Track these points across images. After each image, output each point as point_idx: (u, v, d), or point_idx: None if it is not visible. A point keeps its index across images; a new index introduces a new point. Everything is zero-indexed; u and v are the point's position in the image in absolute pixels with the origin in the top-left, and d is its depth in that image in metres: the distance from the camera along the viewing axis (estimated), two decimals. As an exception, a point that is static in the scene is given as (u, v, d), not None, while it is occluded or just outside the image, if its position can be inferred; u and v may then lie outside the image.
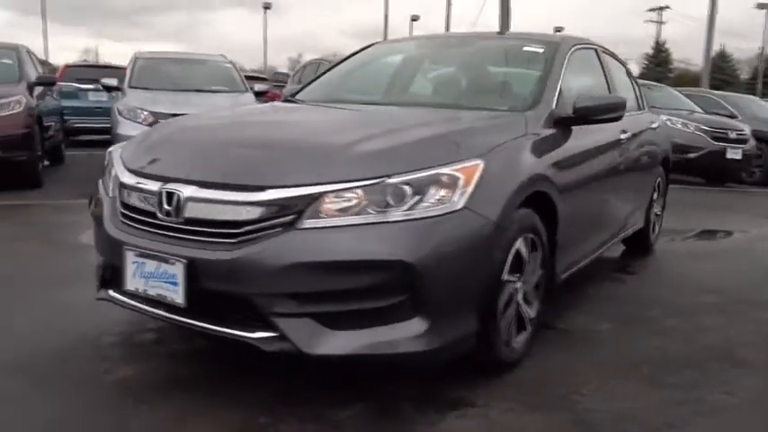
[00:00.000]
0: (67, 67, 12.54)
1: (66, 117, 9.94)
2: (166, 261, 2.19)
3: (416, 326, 2.12)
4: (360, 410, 2.26)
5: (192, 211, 2.21)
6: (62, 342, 2.76)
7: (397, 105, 3.33)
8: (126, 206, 2.44)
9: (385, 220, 2.09)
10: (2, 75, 7.45)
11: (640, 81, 13.07)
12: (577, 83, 3.55)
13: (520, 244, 2.51)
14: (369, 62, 3.95)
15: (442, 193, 2.17)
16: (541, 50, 3.42)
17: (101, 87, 8.22)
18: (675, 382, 2.60)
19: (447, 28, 35.58)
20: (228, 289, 2.14)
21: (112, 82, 7.80)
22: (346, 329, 2.12)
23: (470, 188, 2.22)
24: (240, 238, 2.12)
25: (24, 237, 4.70)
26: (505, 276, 2.43)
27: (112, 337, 2.83)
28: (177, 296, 2.18)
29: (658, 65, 44.30)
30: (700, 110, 10.76)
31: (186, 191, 2.23)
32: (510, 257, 2.44)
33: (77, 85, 11.29)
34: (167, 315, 2.28)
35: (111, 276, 2.47)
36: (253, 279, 2.09)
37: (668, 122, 9.50)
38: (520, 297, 2.61)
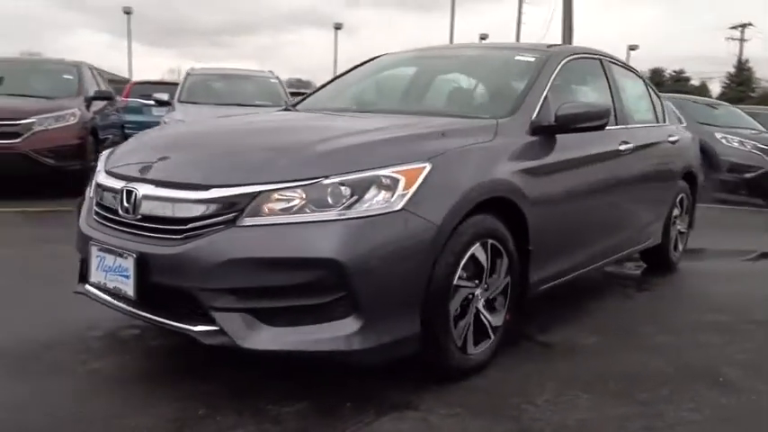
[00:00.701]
0: (134, 84, 13.25)
1: (129, 130, 10.49)
2: (121, 255, 2.31)
3: (350, 325, 2.15)
4: (301, 407, 2.30)
5: (146, 208, 2.33)
6: (55, 333, 2.93)
7: (376, 113, 3.37)
8: (99, 205, 2.60)
9: (320, 219, 2.15)
10: (63, 89, 7.99)
11: (699, 98, 12.66)
12: (571, 93, 3.51)
13: (476, 249, 2.50)
14: (369, 73, 4.02)
15: (382, 194, 2.21)
16: (533, 59, 3.40)
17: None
18: (641, 399, 2.51)
19: (515, 46, 35.16)
20: (173, 283, 2.24)
21: (164, 97, 8.21)
22: (282, 325, 2.18)
23: (412, 190, 2.25)
24: (185, 234, 2.22)
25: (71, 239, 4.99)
26: (457, 281, 2.42)
27: (99, 331, 2.98)
28: (129, 289, 2.30)
29: (740, 84, 42.32)
30: (765, 129, 10.25)
31: (142, 189, 2.35)
32: (462, 262, 2.43)
33: (141, 100, 11.90)
34: (125, 307, 2.40)
35: (85, 271, 2.62)
36: (194, 273, 2.18)
37: (723, 141, 9.14)
38: (480, 304, 2.60)
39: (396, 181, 2.23)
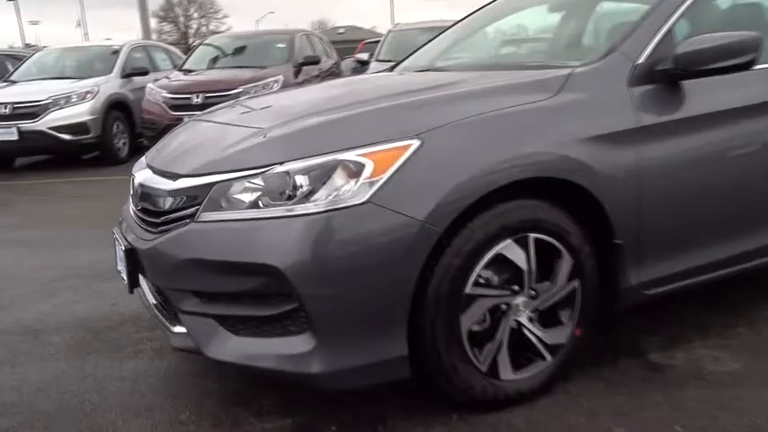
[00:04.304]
0: (365, 43, 13.65)
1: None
2: (120, 244, 2.24)
3: (303, 343, 1.79)
4: (283, 425, 2.02)
5: (142, 198, 2.20)
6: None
7: (447, 70, 2.80)
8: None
9: (267, 215, 1.79)
10: (275, 58, 8.50)
11: None
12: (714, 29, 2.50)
13: (506, 248, 1.91)
14: (473, 24, 3.39)
15: (340, 183, 1.76)
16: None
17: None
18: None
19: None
20: (150, 279, 2.09)
21: (364, 57, 8.24)
22: (246, 335, 1.90)
23: (385, 177, 1.75)
24: (159, 228, 2.04)
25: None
26: (471, 289, 1.88)
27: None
28: (124, 280, 2.21)
29: None
30: None
31: (139, 177, 2.23)
32: (480, 264, 1.87)
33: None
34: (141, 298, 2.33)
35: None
36: (161, 271, 2.00)
37: None
38: (523, 317, 2.00)
39: (360, 166, 1.76)
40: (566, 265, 2.03)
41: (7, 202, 6.26)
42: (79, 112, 7.80)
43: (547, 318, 2.06)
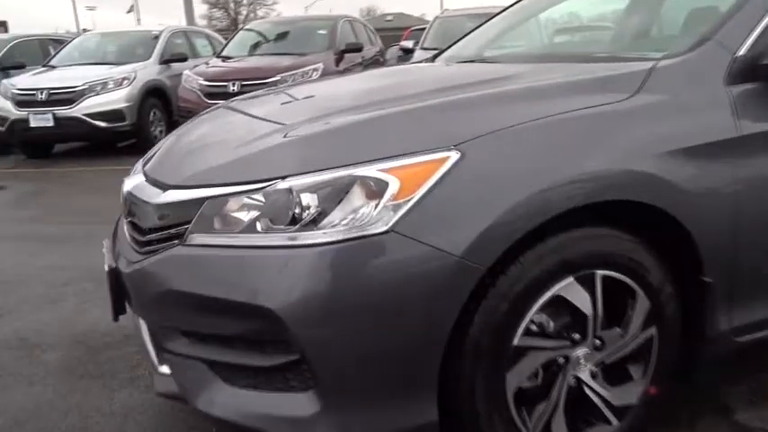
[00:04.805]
0: (411, 30, 13.22)
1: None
2: (105, 264, 1.91)
3: (305, 404, 1.43)
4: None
5: (130, 211, 1.87)
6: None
7: (496, 62, 2.39)
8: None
9: (267, 243, 1.43)
10: (315, 45, 8.16)
11: None
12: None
13: (566, 288, 1.51)
14: (526, 9, 2.96)
15: (357, 205, 1.39)
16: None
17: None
18: None
19: None
20: (133, 309, 1.77)
21: (409, 44, 7.84)
22: (241, 387, 1.54)
23: (414, 198, 1.37)
24: (144, 249, 1.69)
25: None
26: (520, 340, 1.49)
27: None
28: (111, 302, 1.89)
29: None
30: None
31: (128, 185, 1.90)
32: (533, 309, 1.48)
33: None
34: None
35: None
36: (143, 302, 1.67)
37: None
38: (585, 372, 1.60)
39: (383, 185, 1.38)
40: (641, 308, 1.61)
41: (36, 191, 6.09)
42: (115, 99, 7.62)
43: (614, 373, 1.65)
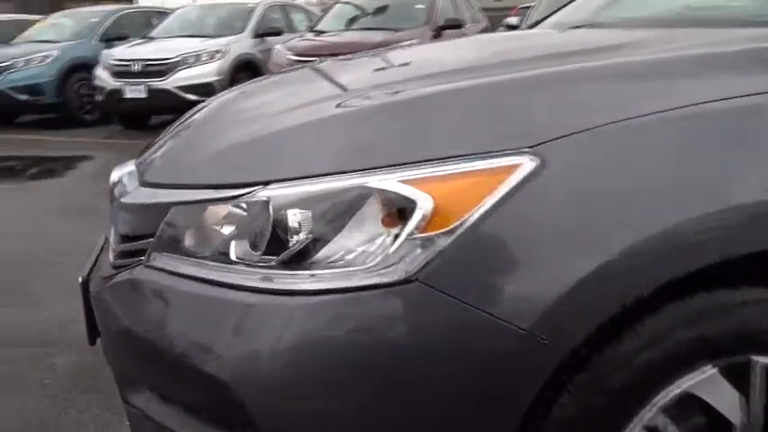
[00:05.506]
0: (519, 8, 12.39)
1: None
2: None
3: None
4: None
5: (113, 210, 1.46)
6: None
7: (613, 27, 1.77)
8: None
9: (233, 281, 0.96)
10: (413, 19, 7.65)
11: None
12: None
13: (701, 384, 0.95)
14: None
15: (368, 235, 0.89)
16: None
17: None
18: None
19: None
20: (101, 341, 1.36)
21: (514, 21, 7.16)
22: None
23: (456, 231, 0.85)
24: (115, 262, 1.28)
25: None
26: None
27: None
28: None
29: None
30: None
31: (114, 175, 1.48)
32: (648, 413, 0.94)
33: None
34: None
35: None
36: (104, 335, 1.27)
37: None
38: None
39: (408, 204, 0.87)
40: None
41: (114, 162, 6.00)
42: (206, 72, 7.47)
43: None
